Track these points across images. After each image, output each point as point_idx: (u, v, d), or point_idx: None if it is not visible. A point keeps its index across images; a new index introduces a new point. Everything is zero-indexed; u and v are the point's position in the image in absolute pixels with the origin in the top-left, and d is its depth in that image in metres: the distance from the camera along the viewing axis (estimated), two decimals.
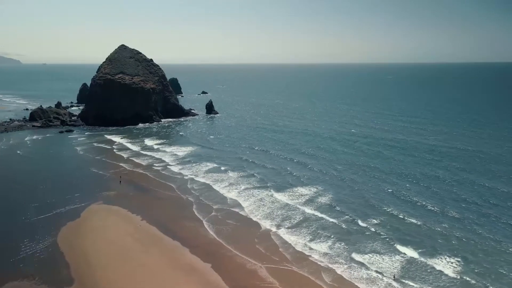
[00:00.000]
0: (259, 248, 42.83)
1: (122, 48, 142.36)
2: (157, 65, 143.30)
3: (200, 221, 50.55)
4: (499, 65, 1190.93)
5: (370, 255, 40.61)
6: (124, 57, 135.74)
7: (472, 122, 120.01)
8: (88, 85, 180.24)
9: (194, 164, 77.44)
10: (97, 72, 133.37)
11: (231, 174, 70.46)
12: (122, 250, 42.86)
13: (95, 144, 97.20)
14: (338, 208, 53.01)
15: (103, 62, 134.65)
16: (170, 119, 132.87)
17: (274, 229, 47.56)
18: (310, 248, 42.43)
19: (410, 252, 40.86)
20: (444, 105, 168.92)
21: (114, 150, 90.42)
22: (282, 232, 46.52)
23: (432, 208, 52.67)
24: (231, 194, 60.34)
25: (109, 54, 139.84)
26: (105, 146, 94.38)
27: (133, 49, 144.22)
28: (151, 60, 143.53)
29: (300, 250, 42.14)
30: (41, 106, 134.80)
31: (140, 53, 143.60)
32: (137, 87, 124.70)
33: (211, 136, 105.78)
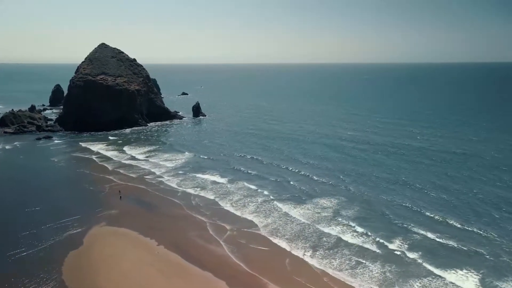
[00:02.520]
0: (299, 279, 38.28)
1: (103, 46, 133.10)
2: (141, 65, 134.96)
3: (221, 245, 45.33)
4: (499, 65, 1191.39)
5: (425, 285, 36.98)
6: (106, 56, 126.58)
7: (471, 125, 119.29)
8: (62, 86, 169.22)
9: (190, 176, 71.80)
10: (75, 72, 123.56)
11: (232, 187, 65.49)
12: (145, 285, 36.92)
13: (79, 153, 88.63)
14: (362, 229, 48.69)
15: (82, 62, 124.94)
16: (157, 123, 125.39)
17: (305, 255, 43.07)
18: (356, 280, 38.20)
19: (467, 282, 37.51)
20: (440, 106, 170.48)
21: (103, 160, 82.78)
22: (316, 259, 42.10)
23: (457, 225, 49.59)
24: (242, 212, 55.35)
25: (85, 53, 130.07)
26: (91, 156, 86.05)
27: (114, 48, 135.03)
28: (134, 59, 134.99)
29: (348, 283, 37.71)
30: (12, 109, 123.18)
31: (122, 52, 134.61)
32: (121, 88, 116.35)
33: (204, 141, 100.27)
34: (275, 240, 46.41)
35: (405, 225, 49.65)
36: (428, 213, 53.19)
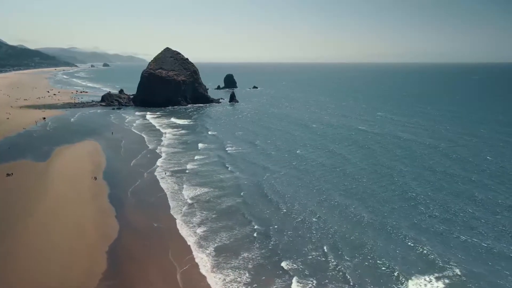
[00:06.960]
0: None
1: (166, 50, 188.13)
2: (191, 63, 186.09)
3: None
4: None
5: None
6: (166, 56, 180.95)
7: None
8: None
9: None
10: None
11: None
12: None
13: (131, 117, 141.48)
14: None
15: (151, 61, 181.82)
16: (194, 105, 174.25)
17: None
18: None
19: None
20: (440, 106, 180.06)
21: (144, 123, 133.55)
22: None
23: None
24: None
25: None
26: (137, 119, 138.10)
27: (174, 51, 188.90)
28: (187, 59, 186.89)
29: None
30: (109, 92, 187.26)
31: (180, 53, 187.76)
32: (170, 79, 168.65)
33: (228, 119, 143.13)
34: None
35: None
36: None
